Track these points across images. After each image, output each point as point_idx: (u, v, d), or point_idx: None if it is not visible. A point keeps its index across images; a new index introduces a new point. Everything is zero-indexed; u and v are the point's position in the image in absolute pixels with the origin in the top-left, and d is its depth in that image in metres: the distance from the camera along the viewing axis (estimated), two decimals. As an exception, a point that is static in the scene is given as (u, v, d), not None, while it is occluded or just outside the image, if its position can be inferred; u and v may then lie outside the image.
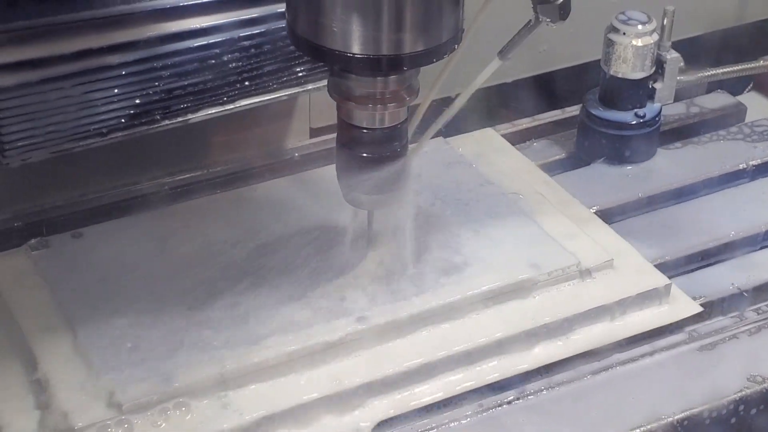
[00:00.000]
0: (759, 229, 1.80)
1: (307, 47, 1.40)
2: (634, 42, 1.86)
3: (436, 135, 1.82)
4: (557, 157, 1.96)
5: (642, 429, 1.48)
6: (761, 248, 1.80)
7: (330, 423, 1.46)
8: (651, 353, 1.59)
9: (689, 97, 2.08)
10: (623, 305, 1.62)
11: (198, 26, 1.64)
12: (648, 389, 1.53)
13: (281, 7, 1.49)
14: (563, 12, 1.47)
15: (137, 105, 1.65)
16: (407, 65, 1.40)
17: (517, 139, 1.98)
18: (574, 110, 2.02)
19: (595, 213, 1.81)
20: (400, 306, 1.55)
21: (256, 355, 1.47)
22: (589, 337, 1.59)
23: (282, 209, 1.72)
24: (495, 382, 1.53)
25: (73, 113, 1.61)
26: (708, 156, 1.95)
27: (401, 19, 1.36)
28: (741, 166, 1.93)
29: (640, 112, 1.91)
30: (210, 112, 1.72)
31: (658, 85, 1.92)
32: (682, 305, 1.65)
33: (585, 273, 1.64)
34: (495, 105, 2.01)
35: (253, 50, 1.69)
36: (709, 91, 2.11)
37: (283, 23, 1.56)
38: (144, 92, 1.64)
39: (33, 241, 1.64)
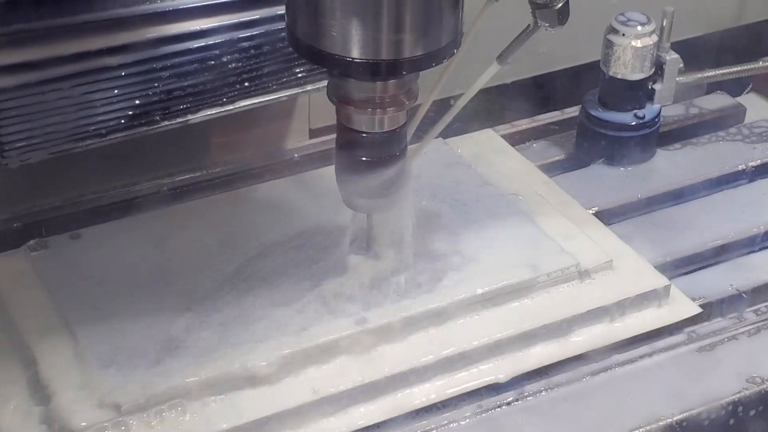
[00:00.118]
0: (758, 230, 1.80)
1: (307, 51, 1.40)
2: (633, 43, 1.86)
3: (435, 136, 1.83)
4: (556, 158, 1.96)
5: (641, 430, 1.48)
6: (760, 249, 1.80)
7: (327, 425, 1.46)
8: (650, 354, 1.59)
9: (688, 98, 2.08)
10: (622, 306, 1.62)
11: (197, 28, 1.64)
12: (647, 390, 1.53)
13: (281, 9, 1.50)
14: (562, 17, 1.47)
15: (136, 106, 1.65)
16: (407, 69, 1.40)
17: (516, 140, 1.98)
18: (573, 111, 2.02)
19: (594, 214, 1.81)
20: (399, 307, 1.55)
21: (254, 356, 1.47)
22: (589, 338, 1.59)
23: (281, 210, 1.72)
24: (494, 383, 1.53)
25: (72, 114, 1.61)
26: (707, 157, 1.95)
27: (401, 23, 1.36)
28: (740, 167, 1.93)
29: (640, 113, 1.91)
30: (209, 112, 1.72)
31: (657, 86, 1.92)
32: (681, 306, 1.65)
33: (584, 274, 1.64)
34: (493, 105, 2.01)
35: (252, 51, 1.69)
36: (708, 92, 2.11)
37: (282, 24, 1.56)
38: (143, 93, 1.64)
39: (32, 242, 1.64)
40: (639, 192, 1.86)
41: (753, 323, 1.64)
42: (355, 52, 1.37)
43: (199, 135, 1.80)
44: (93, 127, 1.64)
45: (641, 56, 1.87)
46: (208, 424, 1.42)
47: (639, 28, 1.86)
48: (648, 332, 1.61)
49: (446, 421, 1.49)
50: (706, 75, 2.02)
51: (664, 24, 1.89)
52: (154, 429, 1.41)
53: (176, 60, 1.64)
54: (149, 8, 1.61)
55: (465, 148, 1.89)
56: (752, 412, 1.53)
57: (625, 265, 1.67)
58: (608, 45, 1.88)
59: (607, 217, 1.82)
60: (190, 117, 1.70)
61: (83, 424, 1.39)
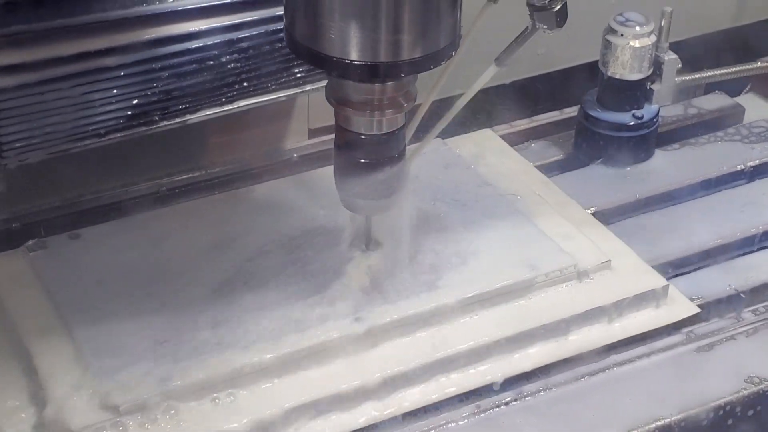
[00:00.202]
0: (756, 230, 1.80)
1: (305, 53, 1.40)
2: (631, 43, 1.86)
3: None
4: (555, 158, 1.96)
5: (639, 430, 1.48)
6: (758, 249, 1.80)
7: (323, 425, 1.46)
8: (648, 354, 1.59)
9: (687, 98, 2.08)
10: (620, 306, 1.62)
11: (196, 29, 1.64)
12: (645, 390, 1.53)
13: (279, 10, 1.50)
14: (560, 19, 1.47)
15: (135, 106, 1.65)
16: (405, 72, 1.40)
17: (515, 140, 1.98)
18: (572, 111, 2.02)
19: (592, 214, 1.81)
20: (397, 307, 1.55)
21: (253, 356, 1.47)
22: (587, 338, 1.59)
23: (280, 210, 1.72)
24: (492, 384, 1.53)
25: (70, 114, 1.61)
26: (706, 157, 1.95)
27: (399, 25, 1.36)
28: (739, 168, 1.92)
29: (638, 113, 1.91)
30: (208, 113, 1.72)
31: (655, 87, 1.92)
32: (679, 306, 1.65)
33: (582, 274, 1.64)
34: (492, 105, 2.01)
35: (251, 51, 1.69)
36: (706, 92, 2.11)
37: (281, 24, 1.55)
38: (142, 93, 1.64)
39: (30, 242, 1.64)
40: (637, 192, 1.87)
41: (751, 323, 1.64)
42: (354, 55, 1.37)
43: (197, 135, 1.80)
44: (92, 127, 1.64)
45: (640, 56, 1.87)
46: (206, 424, 1.42)
47: (637, 28, 1.86)
48: (646, 332, 1.61)
49: (444, 421, 1.49)
50: (704, 75, 2.02)
51: (663, 24, 1.89)
52: (152, 429, 1.41)
53: (175, 60, 1.64)
54: (147, 10, 1.61)
55: (464, 148, 1.89)
56: (750, 412, 1.53)
57: (623, 266, 1.67)
58: (607, 45, 1.88)
59: (605, 217, 1.82)
60: (188, 117, 1.70)
61: (81, 424, 1.39)
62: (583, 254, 1.66)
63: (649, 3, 1.92)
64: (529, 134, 2.01)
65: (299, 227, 1.68)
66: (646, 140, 1.93)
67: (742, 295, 1.70)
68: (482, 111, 1.99)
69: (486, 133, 1.96)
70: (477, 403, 1.51)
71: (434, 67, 1.42)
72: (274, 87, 1.75)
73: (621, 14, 1.88)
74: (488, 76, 1.57)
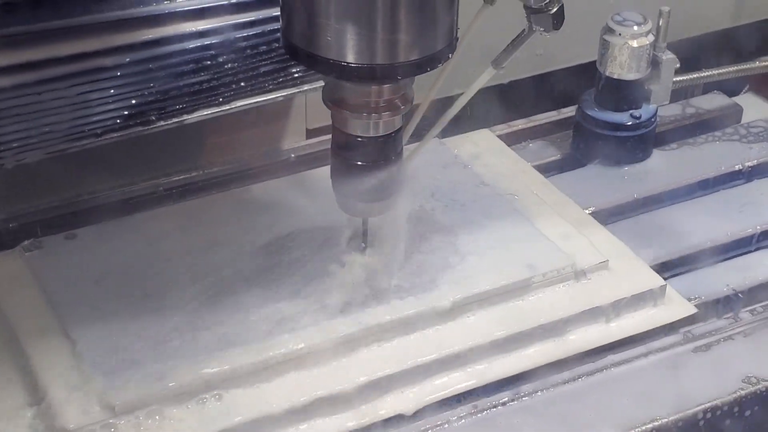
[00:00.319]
0: (754, 230, 1.80)
1: (301, 56, 1.40)
2: (629, 43, 1.86)
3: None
4: (553, 158, 1.96)
5: (637, 430, 1.48)
6: (756, 249, 1.80)
7: (320, 425, 1.46)
8: (646, 354, 1.58)
9: (685, 98, 2.09)
10: (618, 306, 1.62)
11: (194, 29, 1.64)
12: (642, 390, 1.52)
13: (276, 11, 1.49)
14: (557, 21, 1.47)
15: (132, 106, 1.65)
16: (402, 74, 1.40)
17: (513, 140, 1.98)
18: (569, 111, 2.01)
19: (590, 214, 1.81)
20: (395, 308, 1.55)
21: (250, 356, 1.47)
22: (584, 338, 1.59)
23: (278, 210, 1.71)
24: (490, 384, 1.53)
25: (68, 114, 1.61)
26: (704, 157, 1.95)
27: (396, 28, 1.36)
28: (737, 167, 1.92)
29: (636, 113, 1.91)
30: (206, 112, 1.72)
31: (653, 86, 1.92)
32: (676, 306, 1.65)
33: (580, 274, 1.64)
34: (491, 105, 2.01)
35: (248, 51, 1.69)
36: (705, 92, 2.11)
37: (278, 24, 1.55)
38: (139, 93, 1.64)
39: (26, 242, 1.64)
40: (635, 192, 1.86)
41: (749, 323, 1.64)
42: (350, 57, 1.37)
43: (195, 135, 1.80)
44: (89, 127, 1.64)
45: (637, 56, 1.87)
46: (202, 424, 1.42)
47: (635, 28, 1.86)
48: (643, 332, 1.61)
49: (441, 422, 1.49)
50: (702, 75, 2.02)
51: (661, 24, 1.89)
52: (149, 429, 1.40)
53: (172, 60, 1.64)
54: (145, 11, 1.60)
55: (462, 148, 1.89)
56: (748, 413, 1.53)
57: (621, 265, 1.67)
58: (604, 45, 1.88)
59: (603, 217, 1.81)
60: (186, 117, 1.70)
61: (77, 424, 1.39)
62: (581, 254, 1.66)
63: (647, 2, 1.91)
64: (526, 134, 2.01)
65: (297, 227, 1.67)
66: (644, 140, 1.93)
67: (739, 295, 1.70)
68: (480, 111, 1.99)
69: (484, 133, 1.96)
70: (474, 403, 1.51)
71: (431, 70, 1.42)
72: (271, 87, 1.75)
73: (618, 14, 1.88)
74: (485, 79, 1.57)
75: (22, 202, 1.74)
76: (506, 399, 1.52)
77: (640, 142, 1.92)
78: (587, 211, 1.81)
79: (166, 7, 1.61)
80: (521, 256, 1.64)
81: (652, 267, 1.69)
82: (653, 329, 1.62)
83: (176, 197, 1.79)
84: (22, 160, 1.61)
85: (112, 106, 1.63)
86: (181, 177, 1.83)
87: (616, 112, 1.91)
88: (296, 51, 1.40)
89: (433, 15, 1.38)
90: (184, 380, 1.44)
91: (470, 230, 1.68)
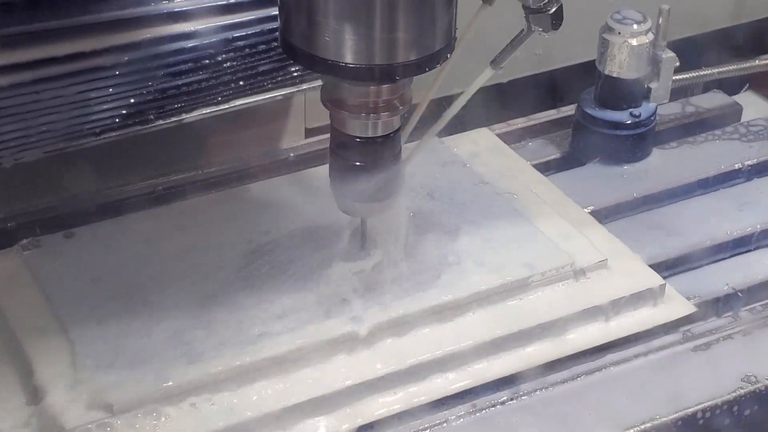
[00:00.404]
0: (754, 229, 1.80)
1: (299, 56, 1.40)
2: (629, 41, 1.86)
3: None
4: (552, 156, 1.96)
5: (636, 429, 1.48)
6: (756, 248, 1.79)
7: (321, 424, 1.46)
8: (645, 353, 1.58)
9: (685, 96, 2.08)
10: (617, 305, 1.61)
11: (192, 29, 1.64)
12: (642, 390, 1.52)
13: (274, 10, 1.49)
14: (555, 21, 1.47)
15: (131, 105, 1.65)
16: (400, 74, 1.40)
17: (512, 138, 1.98)
18: (569, 110, 2.01)
19: (590, 213, 1.81)
20: (394, 306, 1.54)
21: (249, 356, 1.47)
22: (583, 337, 1.59)
23: (277, 209, 1.71)
24: (488, 383, 1.52)
25: (66, 113, 1.61)
26: (703, 156, 1.94)
27: (394, 28, 1.36)
28: (737, 166, 1.92)
29: (636, 111, 1.91)
30: (204, 112, 1.72)
31: (653, 85, 1.91)
32: (676, 305, 1.65)
33: (579, 273, 1.64)
34: (490, 104, 2.01)
35: (247, 50, 1.69)
36: (704, 90, 2.10)
37: (276, 23, 1.55)
38: (138, 92, 1.64)
39: (24, 241, 1.64)
40: (635, 191, 1.86)
41: (748, 322, 1.64)
42: (349, 57, 1.37)
43: (194, 134, 1.79)
44: (87, 127, 1.64)
45: (637, 55, 1.87)
46: (201, 423, 1.42)
47: (635, 26, 1.86)
48: (643, 331, 1.61)
49: (440, 421, 1.48)
50: (702, 73, 2.02)
51: (660, 22, 1.88)
52: (147, 429, 1.40)
53: (171, 59, 1.64)
54: (143, 11, 1.60)
55: (461, 147, 1.89)
56: (747, 412, 1.53)
57: (620, 264, 1.67)
58: (604, 43, 1.87)
59: (602, 216, 1.81)
60: (184, 116, 1.70)
61: (74, 423, 1.39)
62: (580, 253, 1.65)
63: (646, 1, 1.91)
64: (526, 133, 2.01)
65: (295, 226, 1.67)
66: (644, 139, 1.92)
67: (739, 294, 1.69)
68: (479, 110, 1.98)
69: (483, 131, 1.95)
70: (473, 402, 1.51)
71: (429, 70, 1.42)
72: (270, 86, 1.75)
73: (618, 12, 1.87)
74: (484, 79, 1.57)
75: (20, 201, 1.74)
76: (505, 398, 1.52)
77: (639, 141, 1.92)
78: (586, 210, 1.81)
79: (164, 6, 1.62)
80: (520, 255, 1.63)
81: (651, 266, 1.69)
82: (652, 328, 1.61)
83: (175, 196, 1.79)
84: (20, 159, 1.61)
85: (110, 105, 1.63)
86: (180, 176, 1.83)
87: (616, 111, 1.91)
88: (294, 51, 1.40)
89: (431, 15, 1.38)
90: (182, 380, 1.44)
91: (469, 229, 1.68)
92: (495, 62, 1.56)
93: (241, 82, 1.72)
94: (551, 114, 2.04)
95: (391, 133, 1.49)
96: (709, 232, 1.78)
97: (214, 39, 1.66)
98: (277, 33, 1.64)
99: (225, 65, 1.68)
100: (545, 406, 1.51)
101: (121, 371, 1.44)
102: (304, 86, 1.77)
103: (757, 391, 1.53)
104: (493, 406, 1.50)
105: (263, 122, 1.86)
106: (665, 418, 1.48)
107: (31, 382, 1.46)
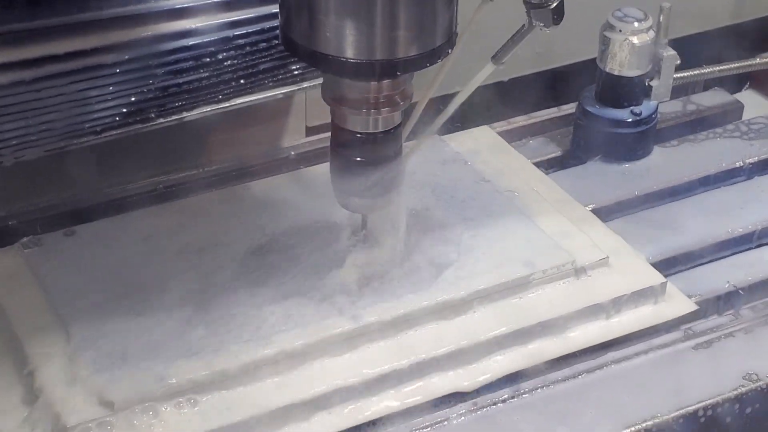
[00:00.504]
0: (755, 227, 1.79)
1: (300, 52, 1.40)
2: (630, 39, 1.86)
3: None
4: (553, 154, 1.96)
5: (637, 427, 1.47)
6: (757, 246, 1.79)
7: (319, 423, 1.46)
8: (646, 351, 1.58)
9: (686, 94, 2.08)
10: (618, 303, 1.61)
11: (193, 26, 1.64)
12: (643, 388, 1.52)
13: (275, 7, 1.49)
14: (556, 17, 1.47)
15: (132, 103, 1.65)
16: (401, 70, 1.39)
17: (513, 136, 1.98)
18: (570, 108, 2.01)
19: (590, 211, 1.80)
20: (394, 304, 1.54)
21: (250, 353, 1.47)
22: (584, 335, 1.59)
23: (277, 207, 1.71)
24: (489, 381, 1.52)
25: (67, 111, 1.62)
26: (704, 154, 1.94)
27: (395, 23, 1.36)
28: (738, 164, 1.92)
29: (637, 109, 1.90)
30: (205, 110, 1.72)
31: (654, 83, 1.91)
32: (677, 303, 1.64)
33: (580, 271, 1.64)
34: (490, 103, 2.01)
35: (248, 48, 1.69)
36: (705, 88, 2.10)
37: (277, 21, 1.55)
38: (138, 90, 1.64)
39: (25, 239, 1.64)
40: (636, 189, 1.86)
41: (749, 320, 1.64)
42: (350, 53, 1.37)
43: (194, 132, 1.79)
44: (88, 125, 1.64)
45: (638, 53, 1.87)
46: (202, 421, 1.42)
47: (636, 24, 1.86)
48: (644, 329, 1.61)
49: (441, 419, 1.48)
50: (703, 71, 2.02)
51: (662, 20, 1.88)
52: (147, 427, 1.40)
53: (172, 57, 1.64)
54: (144, 8, 1.60)
55: (461, 144, 1.89)
56: (749, 410, 1.53)
57: (621, 262, 1.67)
58: (605, 41, 1.87)
59: (603, 214, 1.81)
60: (185, 114, 1.70)
61: (75, 421, 1.39)
62: (581, 251, 1.65)
63: (647, -1, 1.91)
64: (526, 131, 2.01)
65: (296, 225, 1.67)
66: (645, 137, 1.92)
67: (740, 291, 1.69)
68: (480, 107, 1.98)
69: (483, 129, 1.95)
70: (474, 400, 1.51)
71: (430, 65, 1.41)
72: (271, 84, 1.75)
73: (619, 10, 1.87)
74: (485, 74, 1.57)
75: (21, 199, 1.74)
76: (506, 396, 1.51)
77: (640, 139, 1.92)
78: (587, 208, 1.81)
79: (164, 4, 1.61)
80: (521, 253, 1.63)
81: (652, 264, 1.69)
82: (654, 326, 1.61)
83: (175, 195, 1.79)
84: (21, 158, 1.61)
85: (111, 104, 1.63)
86: (181, 174, 1.83)
87: (617, 109, 1.90)
88: (295, 47, 1.40)
89: (432, 10, 1.38)
90: (183, 378, 1.43)
91: (470, 227, 1.68)
92: (496, 57, 1.56)
93: (242, 81, 1.72)
94: (552, 112, 2.04)
95: (391, 128, 1.49)
96: (711, 230, 1.78)
97: (215, 37, 1.66)
98: (278, 31, 1.65)
99: (226, 63, 1.68)
100: (546, 404, 1.50)
101: (122, 369, 1.44)
102: (305, 84, 1.77)
103: (759, 388, 1.52)
104: (495, 404, 1.50)
105: (264, 120, 1.86)
106: (666, 416, 1.48)
107: (31, 381, 1.46)
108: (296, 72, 1.75)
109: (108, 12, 1.59)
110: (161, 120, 1.69)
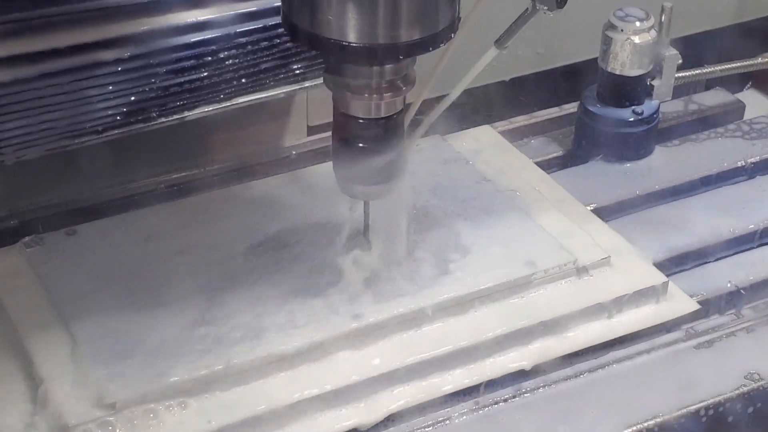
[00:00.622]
0: (757, 226, 1.79)
1: (302, 36, 1.39)
2: (632, 39, 1.86)
3: (433, 132, 1.82)
4: (555, 154, 1.96)
5: (639, 426, 1.47)
6: (759, 246, 1.79)
7: (321, 422, 1.46)
8: (648, 351, 1.58)
9: (687, 94, 2.08)
10: (620, 303, 1.61)
11: (195, 20, 1.63)
12: (644, 387, 1.52)
13: (277, 2, 1.49)
14: (560, 0, 1.46)
15: (133, 102, 1.65)
16: (403, 54, 1.39)
17: (514, 136, 1.98)
18: (571, 107, 2.01)
19: (592, 210, 1.80)
20: (395, 304, 1.54)
21: (250, 354, 1.47)
22: (586, 334, 1.59)
23: (279, 207, 1.71)
24: (491, 380, 1.52)
25: (68, 110, 1.61)
26: (706, 153, 1.94)
27: (397, 7, 1.35)
28: (739, 164, 1.92)
29: (638, 109, 1.90)
30: (207, 109, 1.72)
31: (656, 83, 1.91)
32: (679, 303, 1.64)
33: (582, 270, 1.64)
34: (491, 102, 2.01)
35: (249, 47, 1.69)
36: (707, 88, 2.10)
37: (278, 19, 1.55)
38: (140, 89, 1.64)
39: (27, 238, 1.64)
40: (637, 188, 1.86)
41: (751, 320, 1.64)
42: (352, 37, 1.36)
43: (196, 132, 1.79)
44: (89, 124, 1.64)
45: (640, 52, 1.86)
46: (203, 421, 1.42)
47: (637, 23, 1.86)
48: (646, 329, 1.61)
49: (443, 418, 1.48)
50: (705, 71, 2.02)
51: (663, 19, 1.88)
52: (149, 427, 1.40)
53: (173, 55, 1.64)
54: (145, -1, 1.60)
55: (463, 144, 1.89)
56: (750, 409, 1.53)
57: (623, 262, 1.67)
58: (607, 41, 1.87)
59: (605, 213, 1.81)
60: (187, 113, 1.70)
61: (77, 420, 1.39)
62: (583, 251, 1.65)
63: (649, -2, 1.91)
64: (528, 130, 2.01)
65: (297, 224, 1.67)
66: (646, 136, 1.92)
67: (742, 291, 1.69)
68: (482, 107, 1.99)
69: (485, 129, 1.95)
70: (475, 399, 1.51)
71: (433, 50, 1.40)
72: (272, 83, 1.75)
73: (621, 9, 1.87)
74: (488, 59, 1.56)
75: (22, 199, 1.74)
76: (508, 396, 1.51)
77: (642, 139, 1.92)
78: (589, 208, 1.81)
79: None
80: (522, 253, 1.63)
81: (654, 263, 1.69)
82: (655, 326, 1.61)
83: (177, 194, 1.79)
84: (22, 157, 1.61)
85: (112, 103, 1.63)
86: (182, 174, 1.83)
87: (618, 109, 1.90)
88: (296, 31, 1.39)
89: None
90: (186, 377, 1.43)
91: (471, 226, 1.68)
92: (499, 42, 1.55)
93: (243, 80, 1.71)
94: (554, 111, 2.04)
95: (394, 114, 1.48)
96: (712, 230, 1.78)
97: (217, 34, 1.65)
98: (280, 29, 1.65)
99: (227, 63, 1.68)
100: (548, 403, 1.50)
101: (124, 368, 1.44)
102: (307, 84, 1.77)
103: (761, 388, 1.52)
104: (496, 403, 1.50)
105: (265, 120, 1.86)
106: (669, 416, 1.48)
107: (33, 380, 1.46)
108: (298, 71, 1.75)
109: (109, 1, 1.58)
110: (163, 119, 1.69)
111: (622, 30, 1.86)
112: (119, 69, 1.61)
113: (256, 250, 1.62)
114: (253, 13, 1.66)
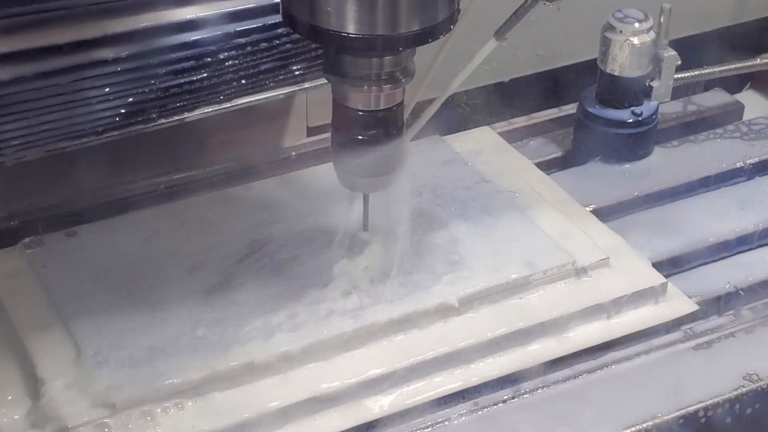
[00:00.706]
0: (755, 227, 1.80)
1: (302, 28, 1.39)
2: (630, 40, 1.86)
3: (433, 133, 1.83)
4: (554, 155, 1.96)
5: (637, 427, 1.47)
6: (757, 247, 1.79)
7: (323, 421, 1.46)
8: (647, 352, 1.58)
9: (686, 95, 2.08)
10: (619, 304, 1.61)
11: (194, 16, 1.63)
12: (643, 388, 1.52)
13: (276, 2, 1.48)
14: None
15: (133, 103, 1.65)
16: (403, 45, 1.39)
17: (513, 137, 1.98)
18: (570, 108, 2.01)
19: (591, 211, 1.81)
20: (395, 304, 1.55)
21: (251, 353, 1.47)
22: (585, 335, 1.59)
23: (279, 208, 1.71)
24: (490, 381, 1.52)
25: (68, 112, 1.61)
26: (705, 154, 1.94)
27: None
28: (738, 165, 1.92)
29: (637, 110, 1.91)
30: (206, 110, 1.72)
31: (655, 83, 1.91)
32: (677, 304, 1.65)
33: (581, 271, 1.64)
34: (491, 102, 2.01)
35: (249, 48, 1.69)
36: (706, 89, 2.10)
37: (278, 18, 1.55)
38: (140, 90, 1.64)
39: (27, 239, 1.64)
40: (636, 189, 1.86)
41: (750, 321, 1.64)
42: (351, 28, 1.36)
43: (196, 133, 1.79)
44: (89, 125, 1.64)
45: (639, 53, 1.87)
46: (203, 421, 1.42)
47: (636, 25, 1.86)
48: (644, 330, 1.61)
49: (442, 419, 1.48)
50: (704, 72, 2.02)
51: (662, 21, 1.88)
52: (148, 427, 1.41)
53: (173, 56, 1.64)
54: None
55: (462, 145, 1.89)
56: (749, 410, 1.53)
57: (621, 263, 1.67)
58: (605, 42, 1.87)
59: (604, 214, 1.81)
60: (186, 115, 1.70)
61: (77, 421, 1.39)
62: (582, 251, 1.65)
63: (648, -1, 1.92)
64: (527, 131, 2.01)
65: (297, 225, 1.67)
66: (645, 137, 1.92)
67: (740, 292, 1.69)
68: (481, 108, 1.99)
69: (484, 130, 1.95)
70: (475, 400, 1.51)
71: (432, 41, 1.40)
72: (272, 84, 1.75)
73: (620, 11, 1.87)
74: (488, 50, 1.56)
75: (22, 200, 1.74)
76: (507, 396, 1.52)
77: (641, 140, 1.92)
78: (588, 209, 1.81)
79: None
80: (522, 254, 1.63)
81: (653, 264, 1.69)
82: (654, 326, 1.61)
83: (177, 195, 1.79)
84: (22, 158, 1.61)
85: (112, 104, 1.63)
86: (182, 175, 1.83)
87: (617, 110, 1.91)
88: (295, 22, 1.39)
89: None
90: (185, 377, 1.44)
91: (471, 227, 1.68)
92: (499, 33, 1.55)
93: (243, 81, 1.71)
94: (553, 112, 2.05)
95: (393, 106, 1.48)
96: (711, 231, 1.78)
97: (217, 33, 1.65)
98: (279, 30, 1.66)
99: (227, 64, 1.68)
100: (547, 404, 1.50)
101: (124, 369, 1.44)
102: (306, 85, 1.77)
103: (759, 389, 1.53)
104: (495, 404, 1.50)
105: (265, 121, 1.86)
106: (667, 417, 1.48)
107: (33, 380, 1.46)
108: (297, 72, 1.75)
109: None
110: (162, 120, 1.69)
111: (621, 31, 1.86)
112: (119, 69, 1.61)
113: (256, 250, 1.63)
114: (253, 13, 1.66)
